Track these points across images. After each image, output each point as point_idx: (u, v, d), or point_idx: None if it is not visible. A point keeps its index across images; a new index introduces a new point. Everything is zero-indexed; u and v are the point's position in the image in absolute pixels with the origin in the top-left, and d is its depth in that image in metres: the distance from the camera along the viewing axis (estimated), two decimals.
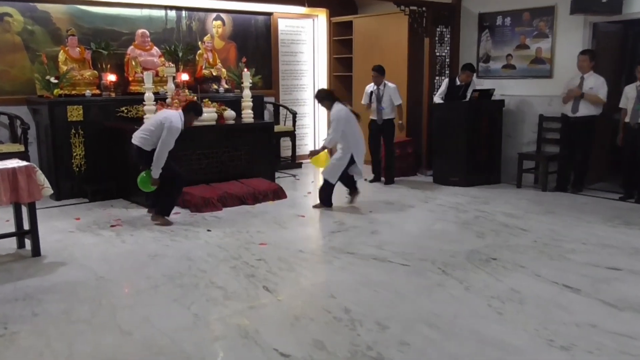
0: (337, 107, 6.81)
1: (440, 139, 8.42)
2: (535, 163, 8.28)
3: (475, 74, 8.59)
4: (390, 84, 8.23)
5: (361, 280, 4.51)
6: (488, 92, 8.32)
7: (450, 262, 4.93)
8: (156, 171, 5.99)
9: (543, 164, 8.00)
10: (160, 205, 6.21)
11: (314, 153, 6.94)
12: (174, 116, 6.02)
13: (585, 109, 7.48)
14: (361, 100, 8.59)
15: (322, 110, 10.90)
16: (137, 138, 6.08)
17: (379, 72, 8.19)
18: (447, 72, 9.09)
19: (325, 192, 6.90)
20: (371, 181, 8.52)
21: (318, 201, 6.99)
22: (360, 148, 6.82)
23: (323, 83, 10.79)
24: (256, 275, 4.63)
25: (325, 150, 6.94)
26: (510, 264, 4.88)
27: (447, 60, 9.13)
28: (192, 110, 6.18)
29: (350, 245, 5.42)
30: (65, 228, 6.12)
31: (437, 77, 9.08)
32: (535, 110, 8.34)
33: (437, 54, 9.05)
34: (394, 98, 8.19)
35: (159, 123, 5.99)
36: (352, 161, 6.80)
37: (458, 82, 8.42)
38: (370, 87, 8.34)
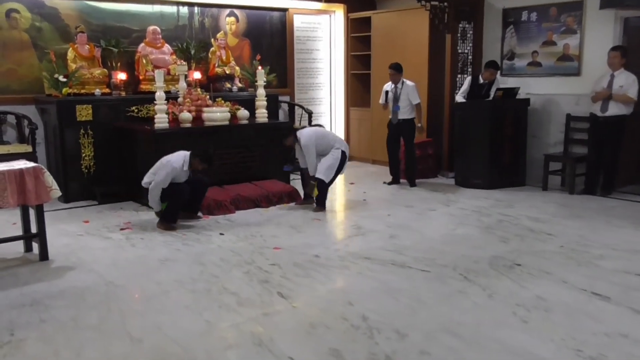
0: (301, 136, 6.94)
1: (462, 139, 8.39)
2: (562, 165, 8.21)
3: (499, 72, 8.55)
4: (408, 82, 8.22)
5: (380, 286, 4.50)
6: (513, 91, 8.27)
7: (473, 268, 4.90)
8: (153, 205, 6.21)
9: (570, 166, 7.94)
10: (166, 212, 6.26)
11: (312, 188, 6.99)
12: (177, 156, 6.22)
13: (615, 108, 7.41)
14: (379, 100, 8.59)
15: (339, 109, 10.91)
16: (145, 182, 6.28)
17: (397, 70, 8.17)
18: (469, 69, 9.05)
19: (322, 193, 6.91)
20: (389, 183, 8.50)
21: (316, 205, 6.98)
22: (343, 144, 7.09)
23: (340, 81, 10.80)
24: (270, 280, 4.63)
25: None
26: (536, 270, 4.84)
27: (470, 57, 9.09)
28: (200, 156, 6.22)
29: (368, 250, 5.41)
30: (73, 231, 6.16)
31: (459, 75, 9.04)
32: (562, 110, 8.28)
33: (459, 51, 9.02)
34: (412, 97, 8.17)
35: (161, 163, 6.20)
36: (344, 158, 6.94)
37: (481, 80, 8.38)
38: (388, 85, 8.33)
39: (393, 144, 8.42)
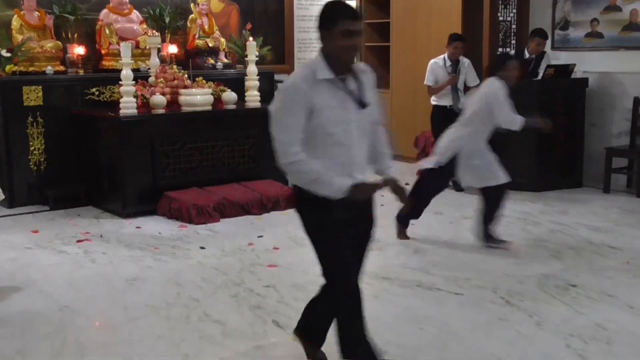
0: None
1: (504, 129, 8.36)
2: (628, 161, 8.22)
3: (549, 45, 8.52)
4: (465, 59, 8.24)
5: (401, 313, 4.50)
6: (566, 69, 8.27)
7: (517, 289, 4.91)
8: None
9: (638, 162, 7.94)
10: None
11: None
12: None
13: None
14: (409, 79, 8.55)
15: None
16: None
17: (465, 42, 8.12)
18: (512, 42, 9.06)
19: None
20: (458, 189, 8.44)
21: None
22: None
23: None
24: (264, 306, 4.64)
25: None
26: (596, 292, 4.84)
27: (514, 26, 9.09)
28: None
29: (387, 268, 5.42)
30: (20, 243, 6.18)
31: (499, 49, 9.05)
32: (628, 92, 8.28)
33: (501, 18, 9.02)
34: (471, 77, 8.19)
35: None
36: None
37: (527, 55, 8.39)
38: (440, 60, 8.25)
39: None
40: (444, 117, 8.12)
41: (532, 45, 8.31)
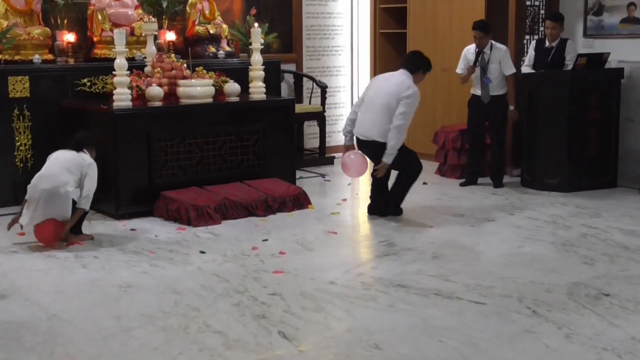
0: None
1: (532, 124, 8.36)
2: None
3: (579, 31, 8.50)
4: (499, 46, 8.26)
5: (418, 324, 4.50)
6: (600, 58, 8.24)
7: (545, 299, 4.90)
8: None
9: None
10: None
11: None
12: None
13: None
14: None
15: (363, 82, 10.92)
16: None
17: (484, 31, 8.15)
18: (541, 28, 9.03)
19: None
20: (463, 184, 8.50)
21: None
22: None
23: (365, 43, 10.81)
24: (269, 316, 4.65)
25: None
26: (631, 302, 4.83)
27: (542, 12, 9.07)
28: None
29: (402, 275, 5.42)
30: (4, 247, 6.20)
31: (527, 37, 9.03)
32: None
33: (528, 3, 9.00)
34: (506, 66, 8.20)
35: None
36: None
37: (547, 44, 8.37)
38: (471, 48, 8.35)
39: (477, 130, 8.45)
40: (474, 106, 8.39)
41: (546, 31, 8.31)
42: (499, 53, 8.22)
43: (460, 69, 8.45)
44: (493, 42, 8.27)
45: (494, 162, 8.49)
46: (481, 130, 8.46)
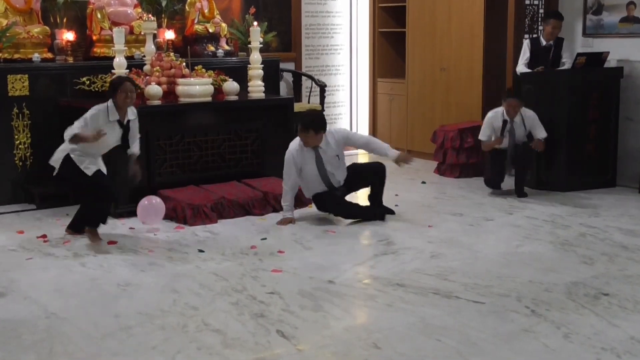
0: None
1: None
2: None
3: (579, 30, 8.49)
4: (529, 114, 7.87)
5: (416, 323, 4.51)
6: (599, 57, 8.23)
7: (544, 298, 4.90)
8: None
9: None
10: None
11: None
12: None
13: None
14: (427, 68, 8.53)
15: (362, 82, 10.92)
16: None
17: (518, 100, 7.78)
18: (540, 28, 9.02)
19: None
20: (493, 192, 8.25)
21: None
22: None
23: (364, 42, 10.80)
24: (267, 315, 4.65)
25: None
26: (630, 302, 4.83)
27: (541, 10, 9.06)
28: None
29: (401, 274, 5.42)
30: (3, 245, 6.21)
31: (526, 36, 9.02)
32: None
33: (527, 2, 9.00)
34: (536, 131, 7.85)
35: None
36: None
37: (543, 42, 8.35)
38: (498, 115, 7.86)
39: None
40: (495, 155, 7.95)
41: (548, 29, 8.27)
42: (529, 122, 7.86)
43: (485, 135, 7.94)
44: (522, 109, 7.86)
45: (520, 171, 7.99)
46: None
